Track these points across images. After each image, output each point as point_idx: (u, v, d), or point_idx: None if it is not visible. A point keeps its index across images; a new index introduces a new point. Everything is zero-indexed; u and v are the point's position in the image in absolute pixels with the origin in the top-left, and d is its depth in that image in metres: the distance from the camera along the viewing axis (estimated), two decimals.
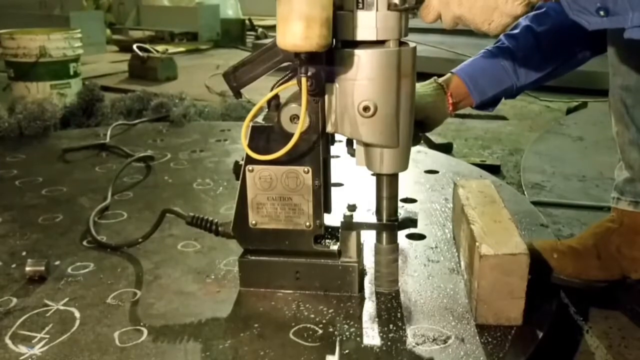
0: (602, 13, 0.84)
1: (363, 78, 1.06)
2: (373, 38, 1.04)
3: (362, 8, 1.03)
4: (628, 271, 1.27)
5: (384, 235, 1.32)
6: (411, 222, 1.23)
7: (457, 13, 0.97)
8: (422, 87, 1.33)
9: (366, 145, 1.14)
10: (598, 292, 1.29)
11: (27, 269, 1.27)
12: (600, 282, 1.27)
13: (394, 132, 1.10)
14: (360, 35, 1.05)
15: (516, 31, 1.35)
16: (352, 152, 1.19)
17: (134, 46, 4.34)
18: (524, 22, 1.35)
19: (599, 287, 1.27)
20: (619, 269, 1.26)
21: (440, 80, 1.35)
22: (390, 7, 1.03)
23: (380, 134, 1.10)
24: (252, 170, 1.16)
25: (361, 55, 1.05)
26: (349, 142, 1.20)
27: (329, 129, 1.13)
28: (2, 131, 2.39)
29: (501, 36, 1.37)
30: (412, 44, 1.10)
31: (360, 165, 1.17)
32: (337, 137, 1.19)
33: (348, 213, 1.18)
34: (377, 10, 1.03)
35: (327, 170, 1.22)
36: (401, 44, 1.08)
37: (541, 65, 1.33)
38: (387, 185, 1.18)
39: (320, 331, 1.08)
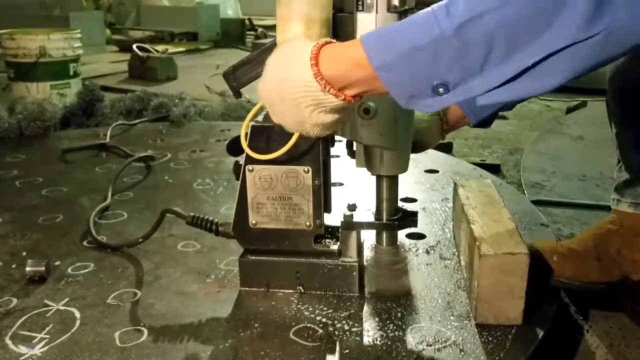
0: (441, 90, 0.75)
1: None
2: None
3: (362, 10, 1.03)
4: (628, 273, 1.26)
5: (384, 235, 1.33)
6: (411, 221, 1.23)
7: (280, 122, 0.92)
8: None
9: (366, 147, 1.14)
10: (598, 293, 1.28)
11: (27, 269, 1.28)
12: (600, 284, 1.27)
13: (394, 134, 1.10)
14: None
15: None
16: (352, 154, 1.19)
17: (134, 46, 4.34)
18: None
19: (598, 289, 1.27)
20: (619, 271, 1.26)
21: None
22: (390, 9, 1.03)
23: (380, 136, 1.10)
24: (252, 170, 1.16)
25: None
26: (349, 144, 1.20)
27: None
28: (2, 131, 2.39)
29: None
30: None
31: (360, 167, 1.18)
32: (337, 137, 1.19)
33: (348, 213, 1.18)
34: (376, 12, 1.03)
35: (327, 169, 1.22)
36: None
37: None
38: (387, 186, 1.19)
39: (320, 331, 1.08)
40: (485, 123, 1.39)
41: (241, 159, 1.17)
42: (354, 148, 1.20)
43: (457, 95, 0.75)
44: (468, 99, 1.34)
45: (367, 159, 1.16)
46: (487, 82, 0.73)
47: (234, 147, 1.18)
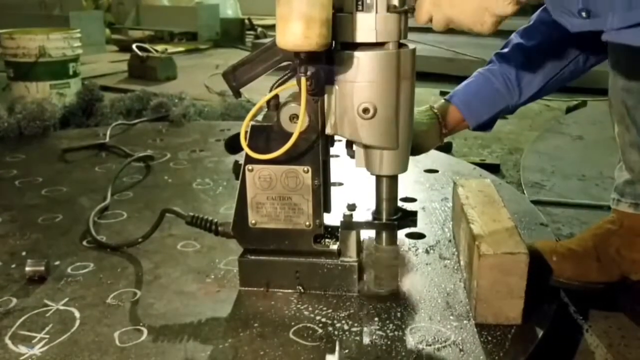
0: (583, 14, 0.84)
1: (363, 80, 1.06)
2: (372, 40, 1.04)
3: (362, 10, 1.03)
4: (628, 273, 1.26)
5: (384, 234, 1.32)
6: (410, 221, 1.23)
7: (448, 14, 0.97)
8: (418, 114, 1.34)
9: (366, 147, 1.14)
10: (598, 293, 1.28)
11: (27, 269, 1.28)
12: (600, 284, 1.27)
13: (394, 134, 1.10)
14: (360, 37, 1.05)
15: (506, 50, 1.35)
16: (351, 154, 1.19)
17: (134, 46, 4.33)
18: (514, 39, 1.35)
19: (598, 289, 1.27)
20: (619, 271, 1.26)
21: (436, 107, 1.36)
22: (390, 9, 1.03)
23: (380, 135, 1.10)
24: (251, 170, 1.16)
25: (361, 57, 1.05)
26: (349, 144, 1.20)
27: (328, 130, 1.13)
28: (1, 131, 2.39)
29: (492, 56, 1.38)
30: (411, 46, 1.10)
31: (360, 167, 1.18)
32: (337, 137, 1.19)
33: (348, 213, 1.18)
34: (376, 12, 1.03)
35: (327, 169, 1.22)
36: (400, 45, 1.08)
37: (535, 81, 1.33)
38: (386, 186, 1.18)
39: (320, 331, 1.08)
40: (486, 126, 1.39)
41: (241, 159, 1.17)
42: (354, 148, 1.20)
43: (594, 24, 0.83)
44: (468, 101, 1.35)
45: (367, 159, 1.16)
46: (614, 22, 0.81)
47: (232, 145, 1.18)
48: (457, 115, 1.36)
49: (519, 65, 1.32)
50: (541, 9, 1.33)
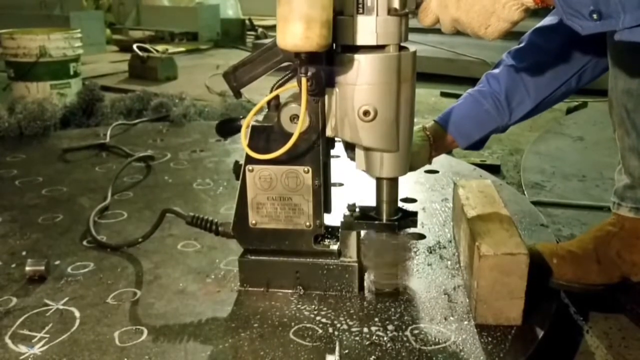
0: (595, 17, 0.84)
1: (363, 83, 1.06)
2: (373, 43, 1.04)
3: (362, 13, 1.03)
4: (628, 275, 1.26)
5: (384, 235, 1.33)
6: (411, 221, 1.23)
7: (454, 16, 0.97)
8: None
9: (366, 149, 1.14)
10: (598, 294, 1.28)
11: (27, 268, 1.28)
12: (600, 286, 1.26)
13: (394, 137, 1.10)
14: (361, 40, 1.05)
15: (497, 71, 1.35)
16: (352, 157, 1.19)
17: (134, 46, 4.33)
18: (505, 60, 1.35)
19: (598, 290, 1.27)
20: (619, 273, 1.26)
21: (427, 128, 1.37)
22: (390, 11, 1.03)
23: (381, 138, 1.10)
24: (252, 170, 1.16)
25: (361, 60, 1.05)
26: (350, 146, 1.20)
27: (329, 132, 1.13)
28: (2, 131, 2.39)
29: (483, 77, 1.38)
30: (412, 48, 1.10)
31: (360, 169, 1.18)
32: (337, 138, 1.19)
33: (348, 213, 1.18)
34: (377, 15, 1.03)
35: (327, 170, 1.22)
36: (401, 48, 1.08)
37: (526, 103, 1.34)
38: (387, 189, 1.18)
39: (320, 331, 1.08)
40: (477, 146, 1.41)
41: (241, 159, 1.17)
42: (355, 150, 1.20)
43: (606, 25, 0.84)
44: (459, 124, 1.36)
45: (367, 162, 1.16)
46: (626, 21, 0.82)
47: (223, 129, 1.18)
48: (448, 137, 1.38)
49: (510, 86, 1.32)
50: (532, 30, 1.34)
